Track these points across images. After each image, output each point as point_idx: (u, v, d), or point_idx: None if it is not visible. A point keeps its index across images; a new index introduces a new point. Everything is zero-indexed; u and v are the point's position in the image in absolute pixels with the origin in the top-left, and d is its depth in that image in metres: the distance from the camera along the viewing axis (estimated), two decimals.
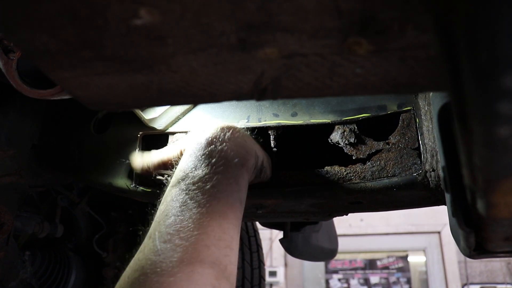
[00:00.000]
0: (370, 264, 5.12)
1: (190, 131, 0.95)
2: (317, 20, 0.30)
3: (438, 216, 4.60)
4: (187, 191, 0.68)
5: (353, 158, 0.89)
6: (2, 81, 1.00)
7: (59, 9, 0.32)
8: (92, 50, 0.36)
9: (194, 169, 0.72)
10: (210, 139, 0.76)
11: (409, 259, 5.04)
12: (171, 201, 0.68)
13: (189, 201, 0.66)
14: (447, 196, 0.62)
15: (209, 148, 0.74)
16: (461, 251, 0.63)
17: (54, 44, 0.36)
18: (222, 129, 0.78)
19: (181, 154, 0.81)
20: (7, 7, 0.32)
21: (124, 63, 0.37)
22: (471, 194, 0.39)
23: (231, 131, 0.78)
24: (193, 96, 0.41)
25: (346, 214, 1.07)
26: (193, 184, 0.69)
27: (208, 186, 0.68)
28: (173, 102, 0.42)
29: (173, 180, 0.73)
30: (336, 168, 0.89)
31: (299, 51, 0.33)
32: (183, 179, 0.71)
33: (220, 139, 0.76)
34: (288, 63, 0.35)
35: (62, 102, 1.01)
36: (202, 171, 0.71)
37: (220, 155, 0.73)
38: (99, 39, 0.34)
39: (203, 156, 0.73)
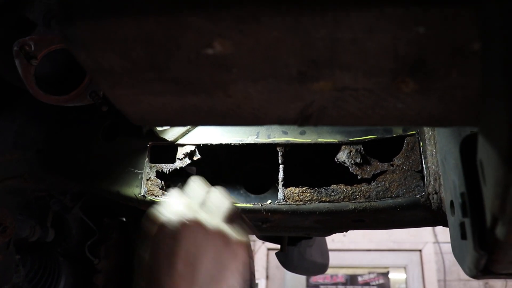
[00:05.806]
0: (351, 280, 5.15)
1: None
2: (374, 60, 0.33)
3: (419, 235, 4.68)
4: None
5: (358, 177, 0.92)
6: (13, 84, 1.01)
7: (136, 33, 0.35)
8: (157, 72, 0.38)
9: None
10: None
11: (390, 275, 5.09)
12: None
13: None
14: (451, 219, 0.67)
15: None
16: (465, 271, 0.67)
17: (120, 65, 0.38)
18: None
19: None
20: (89, 28, 0.34)
21: (183, 85, 0.39)
22: (493, 221, 0.42)
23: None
24: (239, 118, 0.44)
25: (346, 231, 1.10)
26: None
27: None
28: (219, 123, 0.45)
29: None
30: (342, 186, 0.92)
31: (352, 85, 0.36)
32: None
33: None
34: (338, 95, 0.38)
35: (72, 108, 1.02)
36: None
37: None
38: (166, 63, 0.37)
39: None
